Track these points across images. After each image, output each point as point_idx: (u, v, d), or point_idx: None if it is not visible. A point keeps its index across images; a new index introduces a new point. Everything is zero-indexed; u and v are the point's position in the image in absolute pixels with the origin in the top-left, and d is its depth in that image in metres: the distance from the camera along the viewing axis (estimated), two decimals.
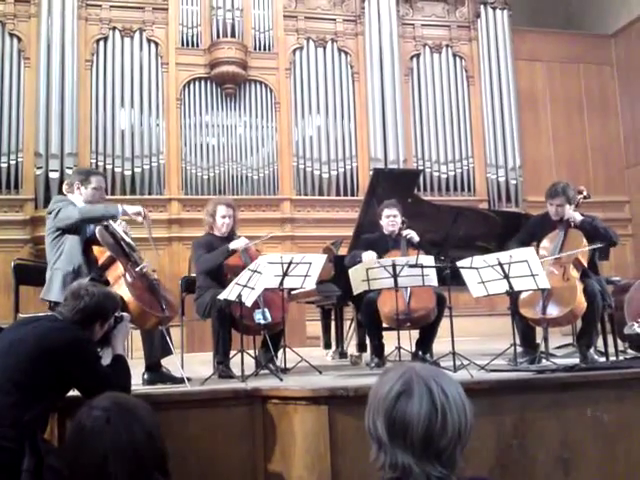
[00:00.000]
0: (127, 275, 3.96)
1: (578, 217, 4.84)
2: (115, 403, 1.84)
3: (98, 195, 4.28)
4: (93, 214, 4.09)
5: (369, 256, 4.96)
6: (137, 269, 4.05)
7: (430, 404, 1.49)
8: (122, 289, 3.88)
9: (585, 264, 4.71)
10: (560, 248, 4.74)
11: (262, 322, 4.43)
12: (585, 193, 5.02)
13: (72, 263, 4.02)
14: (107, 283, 3.98)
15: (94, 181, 4.27)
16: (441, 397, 1.50)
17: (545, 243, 4.87)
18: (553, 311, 4.48)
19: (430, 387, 1.51)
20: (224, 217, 4.99)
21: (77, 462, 1.79)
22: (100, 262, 4.04)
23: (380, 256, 4.88)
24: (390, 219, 5.21)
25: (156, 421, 1.87)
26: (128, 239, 4.20)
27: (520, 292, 4.49)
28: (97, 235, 4.06)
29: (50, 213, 4.14)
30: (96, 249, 4.05)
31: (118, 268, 4.01)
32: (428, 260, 4.39)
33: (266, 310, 4.48)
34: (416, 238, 5.04)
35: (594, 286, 4.62)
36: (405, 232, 5.06)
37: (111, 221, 4.19)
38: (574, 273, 4.63)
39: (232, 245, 4.75)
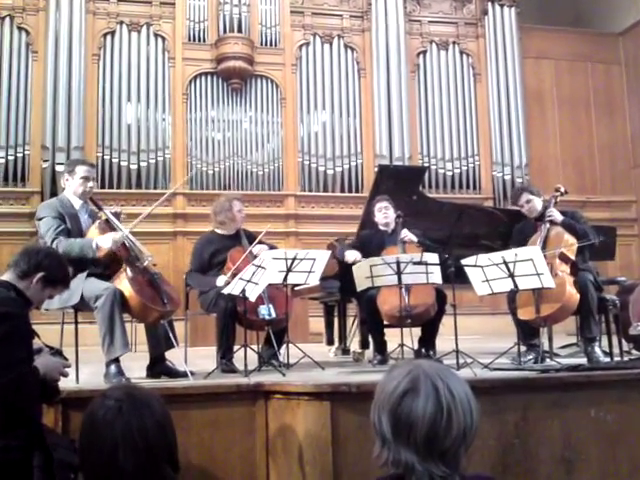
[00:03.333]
0: (128, 270, 3.95)
1: (559, 217, 4.82)
2: (128, 394, 1.85)
3: (85, 185, 4.16)
4: (66, 255, 3.77)
5: (352, 255, 4.98)
6: (137, 264, 4.04)
7: (436, 403, 1.49)
8: (123, 284, 3.88)
9: (573, 257, 4.70)
10: (543, 246, 4.73)
11: (267, 318, 4.43)
12: (562, 190, 5.01)
13: None
14: (109, 278, 3.98)
15: (80, 171, 4.16)
16: (447, 396, 1.50)
17: (531, 242, 4.86)
18: (546, 308, 4.47)
19: (437, 386, 1.50)
20: (240, 212, 5.02)
21: (89, 451, 1.81)
22: (101, 257, 4.03)
23: (377, 253, 4.86)
24: (382, 212, 5.21)
25: (168, 414, 1.88)
26: (128, 233, 4.18)
27: (517, 291, 4.47)
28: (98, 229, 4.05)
29: (39, 220, 4.09)
30: None
31: (118, 263, 4.01)
32: (432, 257, 4.39)
33: (271, 306, 4.48)
34: (414, 239, 5.02)
35: (585, 277, 4.62)
36: (402, 235, 5.02)
37: (111, 215, 4.16)
38: (562, 267, 4.63)
39: (218, 283, 4.61)
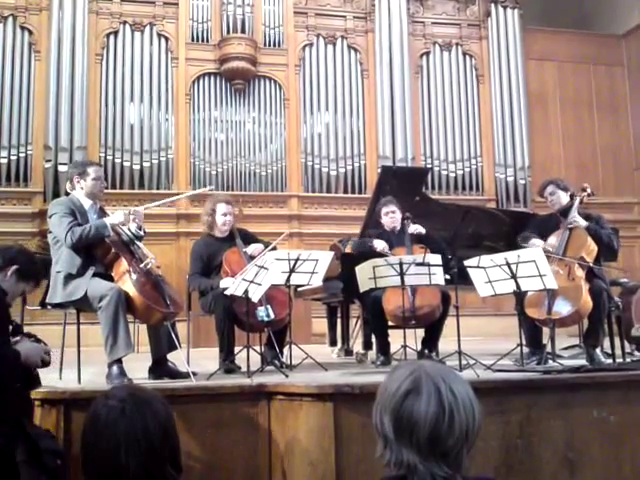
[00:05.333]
0: (131, 271, 3.96)
1: (583, 223, 4.79)
2: (131, 394, 1.85)
3: (99, 185, 4.24)
4: (83, 240, 3.98)
5: (381, 244, 5.02)
6: (141, 265, 4.05)
7: (438, 404, 1.49)
8: (127, 285, 3.89)
9: (591, 264, 4.69)
10: (564, 248, 4.72)
11: (265, 319, 4.41)
12: (589, 190, 4.99)
13: (74, 265, 3.98)
14: (112, 279, 3.98)
15: (92, 172, 4.22)
16: (449, 397, 1.50)
17: (551, 240, 4.85)
18: (559, 311, 4.46)
19: (439, 387, 1.51)
20: (225, 215, 4.89)
21: (91, 451, 1.80)
22: (105, 259, 4.04)
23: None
24: (389, 215, 5.23)
25: (171, 415, 1.87)
26: (131, 235, 4.20)
27: (526, 292, 4.47)
28: None
29: (50, 217, 4.14)
30: (100, 246, 4.04)
31: (122, 264, 4.01)
32: (435, 258, 4.39)
33: (269, 307, 4.46)
34: (422, 231, 5.05)
35: (600, 286, 4.61)
36: (411, 228, 5.05)
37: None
38: (579, 273, 4.61)
39: (223, 285, 4.52)
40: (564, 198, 5.00)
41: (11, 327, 2.91)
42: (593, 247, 4.70)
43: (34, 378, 2.81)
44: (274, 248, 4.93)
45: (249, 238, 5.02)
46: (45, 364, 2.87)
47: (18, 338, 2.89)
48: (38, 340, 2.95)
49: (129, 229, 4.21)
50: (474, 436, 1.52)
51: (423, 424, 1.48)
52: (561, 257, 4.65)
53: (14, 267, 2.94)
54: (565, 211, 4.93)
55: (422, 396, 1.50)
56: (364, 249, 5.09)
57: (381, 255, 4.77)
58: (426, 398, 1.49)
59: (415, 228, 5.07)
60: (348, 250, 5.58)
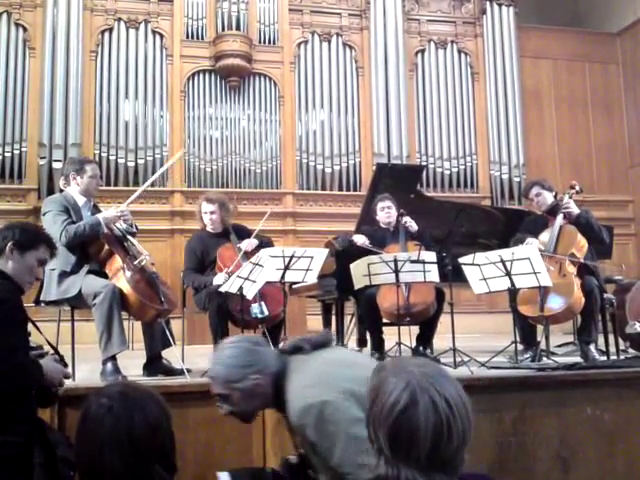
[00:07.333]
0: (126, 268, 3.96)
1: (576, 209, 4.85)
2: (122, 393, 1.82)
3: (95, 183, 4.25)
4: (78, 238, 3.98)
5: (360, 239, 5.08)
6: (135, 262, 4.04)
7: (436, 418, 1.46)
8: (121, 282, 3.89)
9: (582, 260, 4.70)
10: (555, 244, 4.74)
11: (259, 316, 4.41)
12: (577, 188, 5.02)
13: (68, 263, 3.98)
14: (106, 276, 3.98)
15: (89, 169, 4.22)
16: (445, 409, 1.46)
17: (543, 237, 4.87)
18: (551, 307, 4.47)
19: (434, 399, 1.47)
20: (206, 213, 4.95)
21: (81, 447, 1.79)
22: (99, 256, 4.03)
23: (379, 248, 4.89)
24: (385, 211, 5.24)
25: (164, 415, 1.83)
26: (124, 231, 4.19)
27: (520, 289, 4.48)
28: None
29: (44, 215, 4.13)
30: (94, 243, 4.03)
31: (116, 261, 4.01)
32: (430, 256, 4.39)
33: (262, 304, 4.46)
34: (415, 227, 5.06)
35: (592, 282, 4.63)
36: (404, 219, 5.06)
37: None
38: (570, 269, 4.63)
39: (216, 281, 4.55)
40: (549, 198, 5.06)
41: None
42: (583, 243, 4.72)
43: (52, 393, 2.73)
44: (269, 240, 5.01)
45: (244, 234, 5.02)
46: (60, 385, 2.79)
47: (43, 351, 2.81)
48: (61, 357, 2.85)
49: (121, 226, 4.21)
50: (470, 436, 1.51)
51: (422, 439, 1.45)
52: (552, 254, 4.67)
53: (9, 243, 2.67)
54: (552, 210, 4.96)
55: (419, 412, 1.46)
56: (345, 244, 5.18)
57: (367, 251, 4.79)
58: (423, 414, 1.46)
59: (406, 220, 5.07)
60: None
